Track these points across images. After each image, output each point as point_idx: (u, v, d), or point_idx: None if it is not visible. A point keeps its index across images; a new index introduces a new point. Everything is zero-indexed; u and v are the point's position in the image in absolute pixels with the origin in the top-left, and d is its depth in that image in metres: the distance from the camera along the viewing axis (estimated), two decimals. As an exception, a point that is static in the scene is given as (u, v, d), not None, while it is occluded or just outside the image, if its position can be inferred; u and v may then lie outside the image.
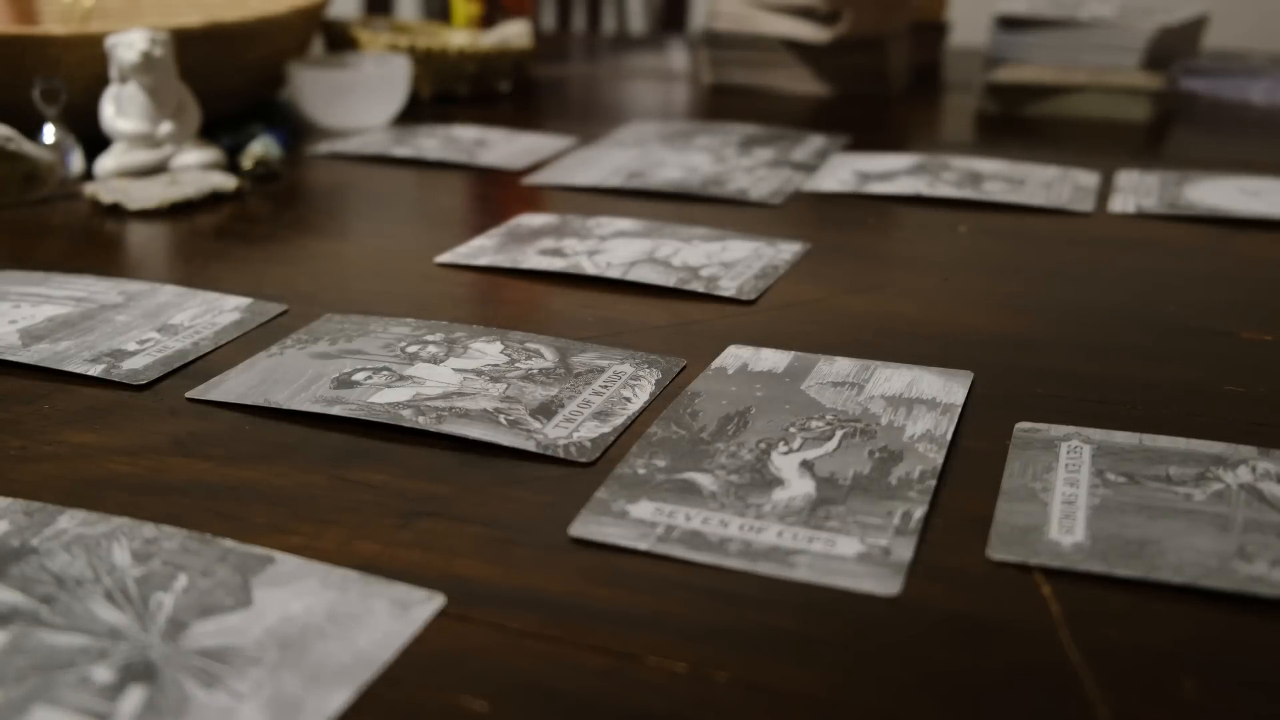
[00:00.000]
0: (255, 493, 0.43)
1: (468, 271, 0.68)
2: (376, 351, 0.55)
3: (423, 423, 0.48)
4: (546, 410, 0.49)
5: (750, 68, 1.22)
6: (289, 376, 0.52)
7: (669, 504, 0.42)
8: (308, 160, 0.93)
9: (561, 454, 0.45)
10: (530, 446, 0.46)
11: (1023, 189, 0.83)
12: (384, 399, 0.50)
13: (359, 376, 0.52)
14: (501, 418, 0.48)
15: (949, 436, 0.47)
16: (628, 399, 0.50)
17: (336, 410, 0.49)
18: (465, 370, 0.53)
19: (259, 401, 0.50)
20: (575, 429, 0.47)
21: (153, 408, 0.50)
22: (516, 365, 0.53)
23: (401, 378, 0.52)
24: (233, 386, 0.52)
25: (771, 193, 0.83)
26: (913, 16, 1.24)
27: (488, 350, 0.55)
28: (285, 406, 0.49)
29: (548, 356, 0.54)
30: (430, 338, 0.56)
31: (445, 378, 0.52)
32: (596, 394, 0.50)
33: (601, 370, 0.53)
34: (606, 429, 0.47)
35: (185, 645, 0.34)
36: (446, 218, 0.82)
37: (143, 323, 0.58)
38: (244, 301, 0.61)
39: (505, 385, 0.51)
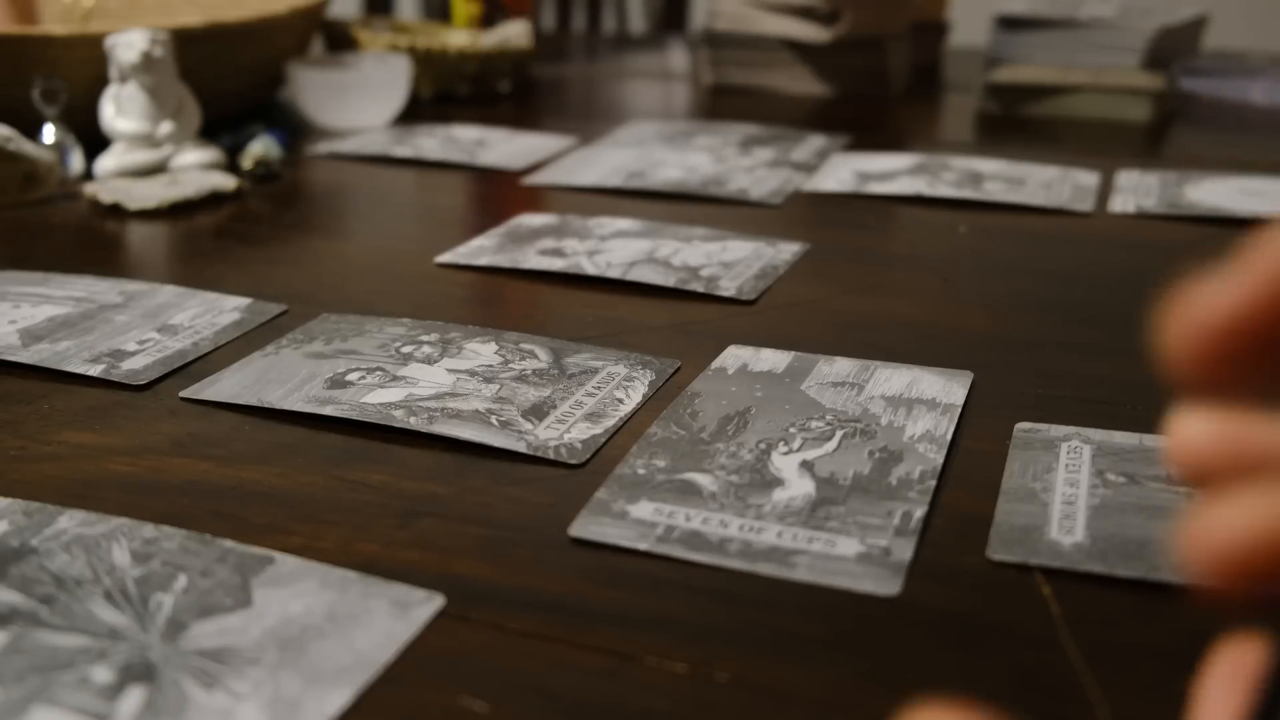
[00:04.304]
0: (255, 493, 0.43)
1: (467, 271, 0.68)
2: (371, 351, 0.54)
3: (414, 423, 0.47)
4: (538, 411, 0.49)
5: (750, 68, 1.22)
6: (283, 376, 0.52)
7: (669, 504, 0.42)
8: (308, 160, 0.93)
9: (552, 455, 0.45)
10: (521, 448, 0.46)
11: (1023, 189, 0.83)
12: (376, 399, 0.50)
13: (352, 377, 0.52)
14: (493, 419, 0.48)
15: (949, 436, 0.47)
16: (620, 400, 0.50)
17: (329, 410, 0.49)
18: (459, 371, 0.53)
19: (252, 401, 0.50)
20: (566, 430, 0.47)
21: (152, 408, 0.50)
22: (510, 366, 0.53)
23: (395, 378, 0.52)
24: (227, 386, 0.52)
25: (771, 193, 0.83)
26: (913, 16, 1.24)
27: (482, 351, 0.55)
28: (278, 406, 0.49)
29: (541, 357, 0.54)
30: (425, 338, 0.56)
31: (438, 378, 0.52)
32: (589, 395, 0.50)
33: (595, 371, 0.53)
34: (598, 430, 0.47)
35: (185, 645, 0.34)
36: (446, 218, 0.82)
37: (142, 323, 0.58)
38: (244, 302, 0.61)
39: (498, 386, 0.51)
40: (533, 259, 0.68)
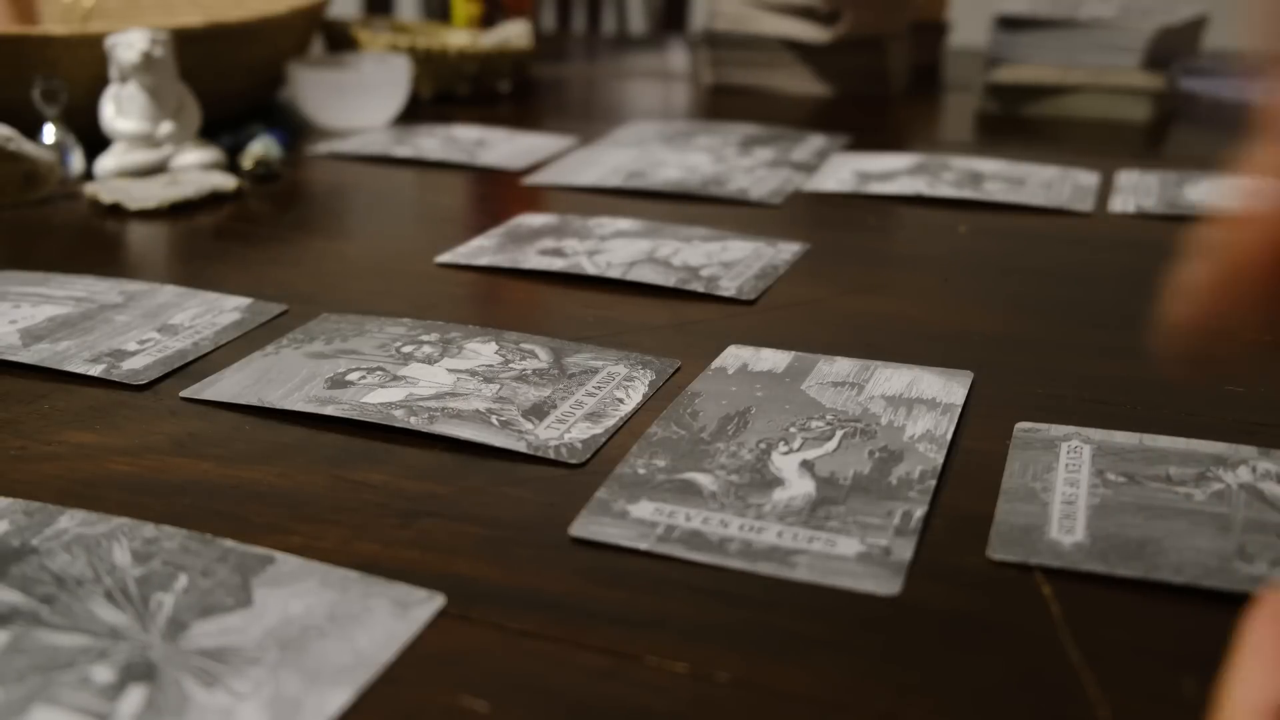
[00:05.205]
0: (255, 493, 0.43)
1: (468, 271, 0.68)
2: (371, 351, 0.55)
3: (415, 423, 0.48)
4: (539, 411, 0.49)
5: (750, 68, 1.22)
6: (283, 376, 0.52)
7: (669, 504, 0.42)
8: (308, 160, 0.93)
9: (552, 455, 0.45)
10: (521, 447, 0.46)
11: (1023, 189, 0.83)
12: (377, 399, 0.50)
13: (353, 376, 0.52)
14: (493, 418, 0.48)
15: (949, 436, 0.47)
16: (620, 400, 0.50)
17: (330, 410, 0.49)
18: (459, 371, 0.53)
19: (253, 401, 0.50)
20: (567, 430, 0.47)
21: (153, 408, 0.50)
22: (510, 366, 0.53)
23: (395, 378, 0.52)
24: (227, 386, 0.52)
25: (771, 193, 0.83)
26: (913, 16, 1.24)
27: (482, 350, 0.55)
28: (278, 406, 0.49)
29: (542, 357, 0.54)
30: (425, 338, 0.56)
31: (439, 378, 0.52)
32: (590, 395, 0.50)
33: (595, 371, 0.53)
34: (598, 430, 0.47)
35: (185, 645, 0.34)
36: (446, 218, 0.82)
37: (143, 323, 0.58)
38: (244, 301, 0.61)
39: (498, 386, 0.51)
40: (533, 259, 0.68)
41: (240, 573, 0.37)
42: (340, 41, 1.17)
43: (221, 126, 0.93)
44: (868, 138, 1.00)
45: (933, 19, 1.32)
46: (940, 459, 0.45)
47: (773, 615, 0.36)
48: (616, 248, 0.69)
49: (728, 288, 0.64)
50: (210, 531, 0.40)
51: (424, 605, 0.36)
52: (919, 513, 0.41)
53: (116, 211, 0.77)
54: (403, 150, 0.94)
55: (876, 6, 1.17)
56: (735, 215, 0.79)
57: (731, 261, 0.68)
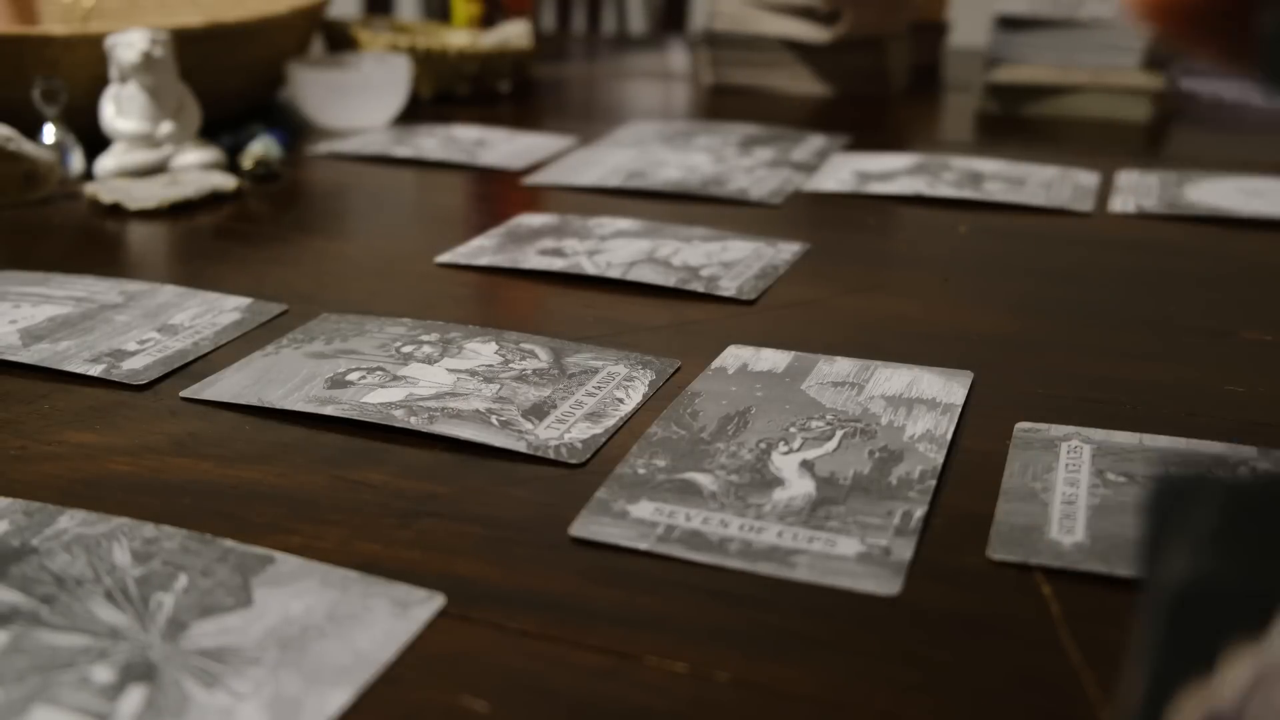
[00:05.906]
0: (255, 493, 0.43)
1: (468, 271, 0.68)
2: (371, 351, 0.54)
3: (415, 423, 0.48)
4: (539, 411, 0.49)
5: (750, 68, 1.22)
6: (283, 376, 0.52)
7: (669, 504, 0.42)
8: (308, 160, 0.93)
9: (552, 455, 0.45)
10: (521, 447, 0.46)
11: (1023, 189, 0.83)
12: (377, 399, 0.50)
13: (353, 376, 0.52)
14: (493, 418, 0.48)
15: (949, 436, 0.47)
16: (620, 400, 0.50)
17: (329, 410, 0.49)
18: (459, 370, 0.53)
19: (253, 401, 0.50)
20: (567, 430, 0.47)
21: (153, 408, 0.50)
22: (510, 366, 0.53)
23: (395, 378, 0.52)
24: (227, 386, 0.52)
25: (771, 193, 0.83)
26: (913, 16, 1.24)
27: (482, 350, 0.55)
28: (279, 406, 0.49)
29: (542, 357, 0.54)
30: (425, 338, 0.56)
31: (439, 378, 0.52)
32: (590, 395, 0.50)
33: (595, 371, 0.53)
34: (598, 430, 0.47)
35: (185, 645, 0.34)
36: (446, 218, 0.82)
37: (143, 323, 0.58)
38: (244, 301, 0.61)
39: (498, 386, 0.51)
40: (533, 259, 0.68)
41: (240, 573, 0.37)
42: (340, 41, 1.17)
43: (221, 126, 0.93)
44: (868, 138, 1.00)
45: (933, 19, 1.32)
46: (940, 459, 0.45)
47: (773, 615, 0.36)
48: (616, 248, 0.69)
49: (728, 288, 0.64)
50: (210, 531, 0.40)
51: (424, 605, 0.36)
52: (919, 513, 0.41)
53: (116, 211, 0.77)
54: (403, 150, 0.94)
55: (876, 6, 1.17)
56: (735, 215, 0.79)
57: (731, 261, 0.68)
